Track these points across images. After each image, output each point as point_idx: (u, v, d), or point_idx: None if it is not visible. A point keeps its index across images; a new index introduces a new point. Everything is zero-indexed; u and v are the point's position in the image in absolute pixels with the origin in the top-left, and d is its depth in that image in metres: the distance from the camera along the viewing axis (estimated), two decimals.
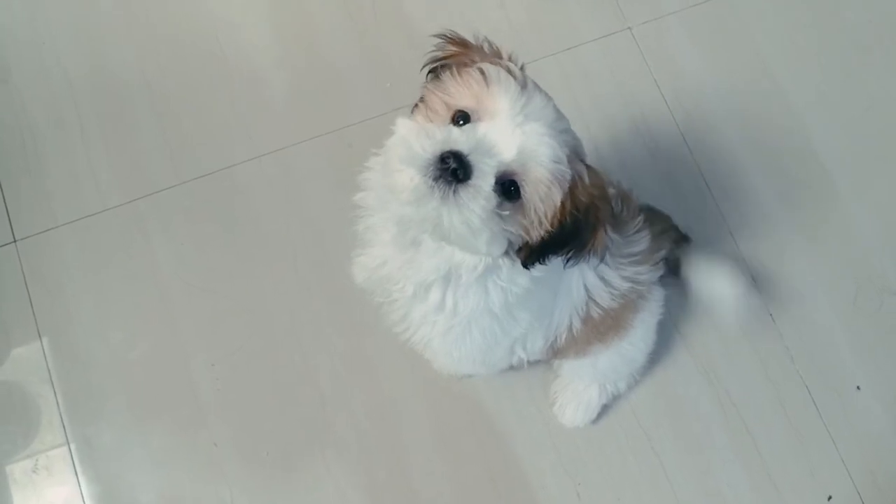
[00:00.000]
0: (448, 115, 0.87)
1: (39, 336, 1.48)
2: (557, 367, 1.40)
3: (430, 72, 0.93)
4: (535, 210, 0.84)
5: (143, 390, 1.47)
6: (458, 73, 0.87)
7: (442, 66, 0.92)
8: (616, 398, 1.45)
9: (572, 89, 1.64)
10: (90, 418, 1.45)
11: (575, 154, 0.86)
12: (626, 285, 1.09)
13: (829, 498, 1.44)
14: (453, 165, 0.80)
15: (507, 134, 0.82)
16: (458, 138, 0.81)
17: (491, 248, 0.85)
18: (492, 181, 0.81)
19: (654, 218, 1.27)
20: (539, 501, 1.43)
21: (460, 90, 0.86)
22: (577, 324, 1.08)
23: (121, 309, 1.51)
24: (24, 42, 1.65)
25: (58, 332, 1.49)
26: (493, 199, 0.82)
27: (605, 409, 1.46)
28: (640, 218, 1.14)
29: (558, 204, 0.84)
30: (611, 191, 1.06)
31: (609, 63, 1.67)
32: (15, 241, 1.53)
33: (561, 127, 0.85)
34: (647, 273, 1.14)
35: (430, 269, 0.93)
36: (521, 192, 0.84)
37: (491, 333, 1.03)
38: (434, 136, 0.82)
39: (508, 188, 0.83)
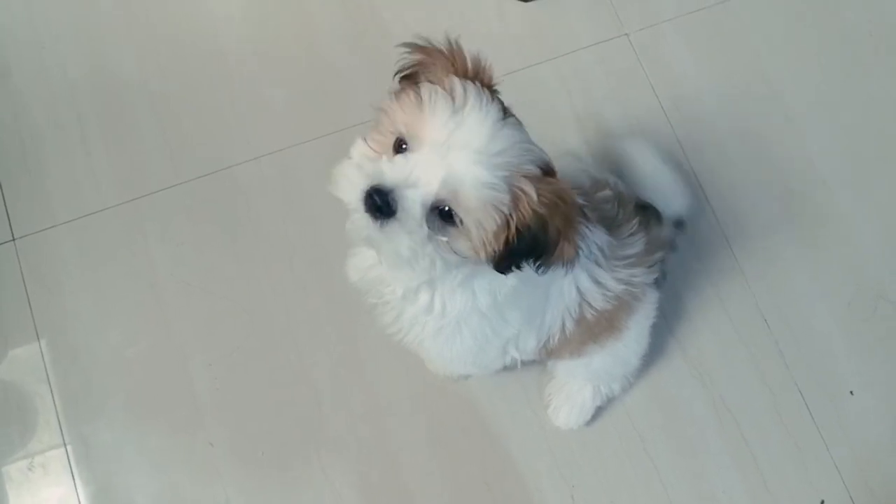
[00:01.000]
0: (391, 141, 0.88)
1: (37, 335, 1.49)
2: (552, 368, 1.40)
3: (399, 80, 0.94)
4: (476, 231, 0.85)
5: (140, 390, 1.47)
6: (398, 97, 0.89)
7: (406, 79, 0.93)
8: (610, 401, 1.46)
9: (569, 95, 1.65)
10: (87, 418, 1.46)
11: (518, 172, 0.85)
12: (619, 287, 1.10)
13: (822, 502, 1.45)
14: (378, 201, 0.83)
15: (433, 164, 0.83)
16: (386, 173, 0.84)
17: (433, 270, 0.88)
18: (418, 213, 0.83)
19: (649, 216, 1.27)
20: (534, 503, 1.43)
21: (399, 114, 0.87)
22: (569, 325, 1.09)
23: (119, 308, 1.52)
24: (23, 41, 1.66)
25: (55, 331, 1.49)
26: (424, 228, 0.84)
27: (599, 412, 1.46)
28: (636, 221, 1.15)
29: (500, 223, 0.85)
30: (605, 197, 1.10)
31: (605, 69, 1.68)
32: (14, 240, 1.53)
33: (495, 149, 0.83)
34: (642, 276, 1.15)
35: (415, 274, 0.94)
36: (455, 218, 0.85)
37: (481, 334, 1.04)
38: (363, 170, 0.86)
39: (448, 214, 0.85)
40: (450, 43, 0.92)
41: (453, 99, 0.84)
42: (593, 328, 1.14)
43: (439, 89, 0.85)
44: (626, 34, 1.71)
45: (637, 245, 1.13)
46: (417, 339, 1.07)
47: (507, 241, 0.86)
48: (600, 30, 1.71)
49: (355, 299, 1.42)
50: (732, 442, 1.47)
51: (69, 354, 1.48)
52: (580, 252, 0.92)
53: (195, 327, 1.50)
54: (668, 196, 1.29)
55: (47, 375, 1.47)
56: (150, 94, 1.64)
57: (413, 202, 0.83)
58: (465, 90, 0.85)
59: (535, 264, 0.90)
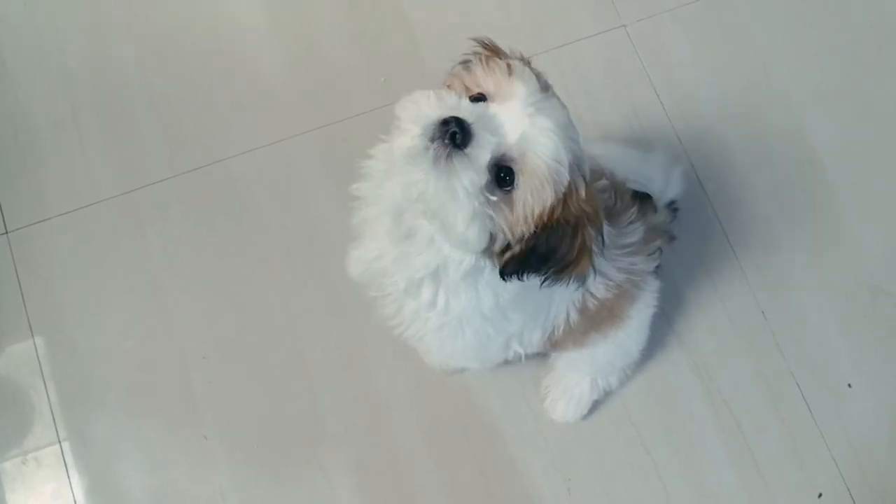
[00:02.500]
0: (466, 95, 0.87)
1: (31, 329, 1.48)
2: (553, 360, 1.39)
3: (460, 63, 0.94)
4: (523, 204, 0.83)
5: (136, 384, 1.47)
6: (487, 61, 0.88)
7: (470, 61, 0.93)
8: (607, 394, 1.46)
9: (567, 86, 1.63)
10: (82, 412, 1.45)
11: (577, 166, 0.85)
12: (621, 276, 1.08)
13: (820, 495, 1.45)
14: (454, 129, 0.80)
15: (516, 118, 0.82)
16: (467, 108, 0.82)
17: (470, 230, 0.83)
18: (488, 156, 0.81)
19: (646, 205, 1.26)
20: (530, 497, 1.43)
21: (484, 76, 0.86)
22: (574, 315, 1.07)
23: (114, 302, 1.51)
24: (18, 31, 1.65)
25: (50, 324, 1.48)
26: (485, 175, 0.81)
27: (596, 406, 1.46)
28: (634, 210, 1.13)
29: (548, 205, 0.83)
30: (603, 187, 1.07)
31: (604, 61, 1.67)
32: (7, 233, 1.52)
33: (571, 134, 0.84)
34: (642, 263, 1.14)
35: (421, 264, 0.93)
36: (514, 181, 0.83)
37: (483, 333, 1.03)
38: (444, 101, 0.83)
39: (502, 176, 0.83)
40: (513, 53, 0.93)
41: (538, 79, 0.85)
42: (596, 318, 1.12)
43: (528, 69, 0.86)
44: (623, 25, 1.69)
45: (636, 233, 1.12)
46: (418, 334, 1.05)
47: (543, 228, 0.84)
48: (599, 21, 1.69)
49: (354, 293, 1.42)
50: (730, 436, 1.46)
51: (64, 348, 1.47)
52: (592, 270, 0.90)
53: (191, 320, 1.50)
54: (657, 178, 1.29)
55: (41, 369, 1.46)
56: (147, 87, 1.63)
57: (488, 144, 0.81)
58: (546, 83, 0.86)
59: (545, 273, 0.88)
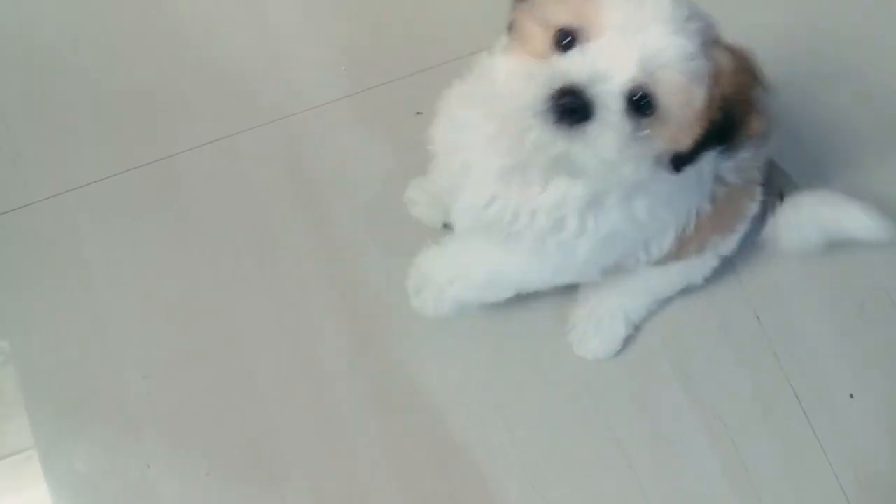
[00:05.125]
0: (548, 39, 0.77)
1: None
2: (585, 293, 1.30)
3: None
4: (676, 118, 0.76)
5: (67, 403, 1.33)
6: None
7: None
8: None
9: None
10: (10, 431, 1.31)
11: (709, 40, 0.77)
12: (747, 164, 1.01)
13: None
14: (572, 104, 0.73)
15: (624, 49, 0.73)
16: (569, 70, 0.73)
17: (639, 172, 0.79)
18: (619, 107, 0.74)
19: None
20: None
21: (559, 6, 0.77)
22: (707, 207, 0.99)
23: (44, 312, 1.38)
24: None
25: None
26: (627, 125, 0.75)
27: (580, 417, 1.34)
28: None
29: (704, 103, 0.76)
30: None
31: None
32: None
33: (684, 14, 0.74)
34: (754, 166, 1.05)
35: (570, 199, 0.86)
36: (656, 102, 0.75)
37: (632, 241, 0.98)
38: (539, 77, 0.74)
39: (641, 103, 0.75)
40: None
41: None
42: (719, 215, 1.03)
43: None
44: None
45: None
46: (554, 263, 0.97)
47: (709, 121, 0.77)
48: None
49: (309, 300, 1.32)
50: (722, 450, 1.35)
51: None
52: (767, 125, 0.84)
53: (129, 332, 1.37)
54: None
55: None
56: (81, 74, 1.49)
57: (612, 95, 0.73)
58: None
59: (725, 147, 0.82)
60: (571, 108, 0.73)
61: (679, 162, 0.81)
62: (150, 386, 1.34)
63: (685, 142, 0.78)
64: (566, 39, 0.76)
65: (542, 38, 0.77)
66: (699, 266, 1.22)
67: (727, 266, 1.39)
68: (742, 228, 1.16)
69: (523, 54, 0.78)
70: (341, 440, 1.33)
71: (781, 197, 1.24)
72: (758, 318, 1.41)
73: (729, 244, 1.18)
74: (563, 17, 0.76)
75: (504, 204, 0.91)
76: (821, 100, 1.51)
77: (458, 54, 1.44)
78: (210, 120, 1.48)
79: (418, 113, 1.43)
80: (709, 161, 0.89)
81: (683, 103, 0.75)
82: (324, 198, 1.44)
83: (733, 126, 0.79)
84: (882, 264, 1.44)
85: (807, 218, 1.21)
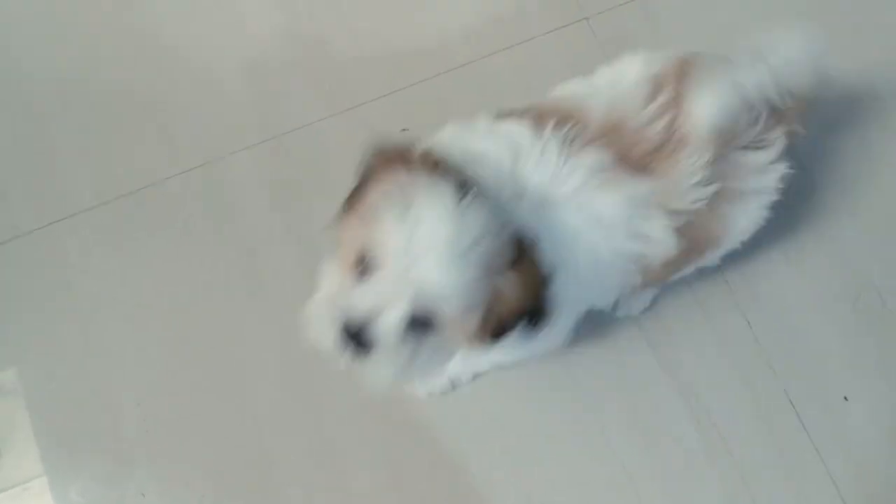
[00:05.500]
0: (351, 260, 0.84)
1: None
2: None
3: (347, 202, 0.89)
4: (460, 329, 0.83)
5: (62, 432, 1.33)
6: (354, 207, 0.86)
7: (355, 195, 0.88)
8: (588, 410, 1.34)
9: (528, 85, 1.50)
10: (8, 464, 1.31)
11: (495, 266, 0.81)
12: (711, 188, 0.95)
13: None
14: (353, 340, 0.81)
15: (399, 282, 0.79)
16: (354, 305, 0.81)
17: (440, 373, 0.94)
18: (393, 338, 0.81)
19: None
20: None
21: (358, 230, 0.83)
22: (671, 240, 0.96)
23: (36, 341, 1.37)
24: None
25: None
26: (406, 347, 0.82)
27: (573, 433, 1.33)
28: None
29: (481, 319, 0.83)
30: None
31: (566, 56, 1.55)
32: None
33: (464, 243, 0.78)
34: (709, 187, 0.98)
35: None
36: (438, 321, 0.82)
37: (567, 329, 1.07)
38: (334, 307, 0.83)
39: (425, 321, 0.82)
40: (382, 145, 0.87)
41: (404, 196, 0.79)
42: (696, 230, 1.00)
43: (389, 188, 0.81)
44: (585, 18, 1.58)
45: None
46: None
47: (494, 326, 0.84)
48: (558, 14, 1.58)
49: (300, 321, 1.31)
50: (717, 458, 1.34)
51: None
52: (550, 311, 0.89)
53: (122, 360, 1.36)
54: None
55: None
56: (68, 104, 1.50)
57: (386, 329, 0.80)
58: (412, 181, 0.80)
59: (526, 329, 0.88)
60: (357, 340, 0.81)
61: (489, 339, 0.86)
62: (144, 412, 1.33)
63: (478, 342, 0.85)
64: (364, 266, 0.82)
65: (352, 258, 0.83)
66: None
67: (715, 272, 1.40)
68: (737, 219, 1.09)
69: (342, 268, 0.85)
70: (337, 464, 1.32)
71: None
72: (748, 321, 1.41)
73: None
74: (359, 242, 0.82)
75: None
76: None
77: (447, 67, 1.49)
78: (194, 145, 1.48)
79: (404, 129, 1.44)
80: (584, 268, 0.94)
81: (460, 323, 0.82)
82: (312, 215, 1.42)
83: (518, 321, 0.86)
84: (873, 261, 1.44)
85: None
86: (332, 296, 0.84)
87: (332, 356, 0.85)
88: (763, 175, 1.02)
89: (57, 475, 1.31)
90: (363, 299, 0.80)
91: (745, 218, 1.06)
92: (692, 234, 0.98)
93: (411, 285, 0.78)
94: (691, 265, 1.17)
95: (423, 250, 0.77)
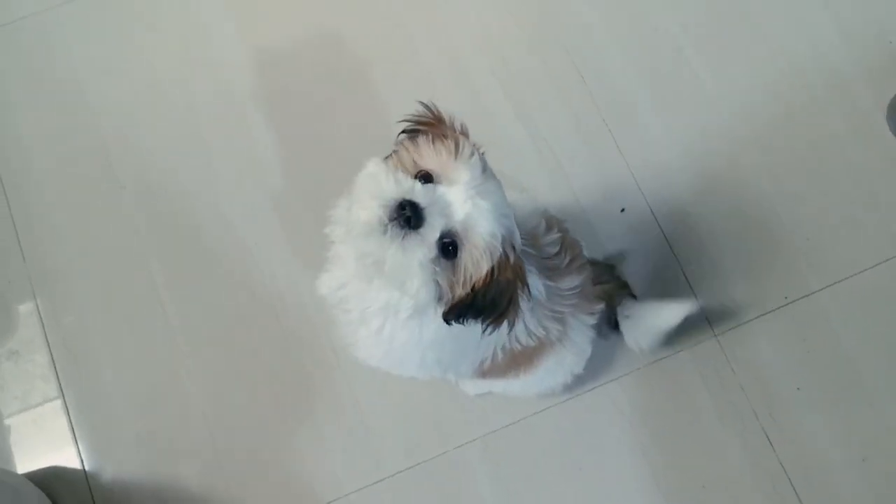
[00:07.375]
0: (413, 171, 0.97)
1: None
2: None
3: (404, 131, 1.03)
4: (464, 271, 0.95)
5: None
6: (434, 140, 0.98)
7: (416, 130, 1.02)
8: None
9: (514, 110, 1.57)
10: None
11: (509, 238, 0.97)
12: (541, 331, 1.18)
13: None
14: (409, 213, 0.91)
15: (461, 201, 0.93)
16: (420, 192, 0.93)
17: (420, 292, 0.96)
18: (437, 235, 0.93)
19: (599, 270, 1.38)
20: None
21: (431, 154, 0.97)
22: (500, 354, 1.18)
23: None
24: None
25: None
26: (434, 250, 0.93)
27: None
28: (581, 265, 1.20)
29: (484, 272, 0.95)
30: (553, 241, 1.17)
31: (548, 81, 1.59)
32: None
33: (505, 212, 0.96)
34: (565, 322, 1.21)
35: (374, 300, 1.05)
36: (458, 252, 0.95)
37: (423, 363, 1.14)
38: (401, 183, 0.93)
39: (447, 247, 0.95)
40: (453, 120, 1.02)
41: (480, 160, 0.96)
42: (517, 359, 1.23)
43: (473, 150, 0.96)
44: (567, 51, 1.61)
45: (574, 291, 1.19)
46: (366, 356, 1.16)
47: (481, 287, 0.96)
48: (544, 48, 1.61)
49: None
50: None
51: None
52: (518, 317, 1.05)
53: None
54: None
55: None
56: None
57: (438, 224, 0.92)
58: (483, 158, 0.97)
59: (483, 322, 1.01)
60: (408, 216, 0.91)
61: (448, 313, 0.99)
62: None
63: (459, 292, 0.97)
64: (424, 179, 0.96)
65: (410, 169, 0.97)
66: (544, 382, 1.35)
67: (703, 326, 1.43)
68: (549, 361, 1.27)
69: (395, 170, 0.97)
70: None
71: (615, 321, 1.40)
72: (733, 368, 1.44)
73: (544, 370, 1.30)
74: (430, 163, 0.96)
75: (347, 291, 1.10)
76: None
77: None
78: None
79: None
80: (488, 332, 1.05)
81: (474, 262, 0.95)
82: None
83: (495, 304, 0.99)
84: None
85: (641, 328, 1.39)
86: (397, 175, 0.94)
87: (372, 217, 0.91)
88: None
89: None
90: (430, 194, 0.93)
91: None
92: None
93: (470, 207, 0.93)
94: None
95: (486, 195, 0.94)
